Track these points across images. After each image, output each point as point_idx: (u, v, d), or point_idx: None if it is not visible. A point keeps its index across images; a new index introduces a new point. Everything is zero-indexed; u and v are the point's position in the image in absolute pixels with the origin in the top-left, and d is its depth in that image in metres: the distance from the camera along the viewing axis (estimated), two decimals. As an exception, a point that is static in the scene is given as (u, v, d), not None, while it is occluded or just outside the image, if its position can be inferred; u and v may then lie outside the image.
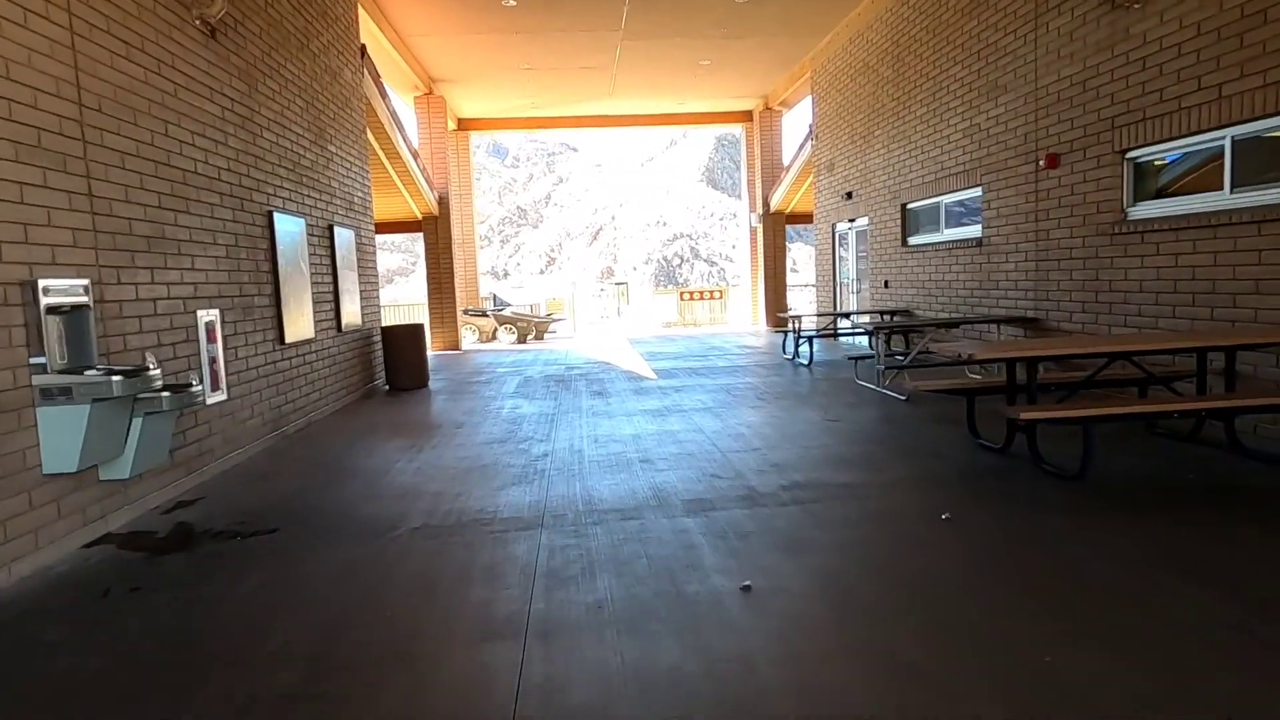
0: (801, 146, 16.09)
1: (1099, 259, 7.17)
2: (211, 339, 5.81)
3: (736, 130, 20.45)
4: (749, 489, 4.91)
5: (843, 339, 13.10)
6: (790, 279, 18.95)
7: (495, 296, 19.30)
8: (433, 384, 10.66)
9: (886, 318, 11.50)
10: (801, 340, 11.30)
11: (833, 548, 3.86)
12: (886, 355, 8.46)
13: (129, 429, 4.38)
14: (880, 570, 3.57)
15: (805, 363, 11.05)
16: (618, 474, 5.42)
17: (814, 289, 22.16)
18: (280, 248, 7.17)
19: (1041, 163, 7.90)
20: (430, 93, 15.26)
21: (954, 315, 9.86)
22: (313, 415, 7.93)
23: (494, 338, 17.18)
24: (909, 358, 8.47)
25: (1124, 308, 6.88)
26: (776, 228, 18.43)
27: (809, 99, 16.49)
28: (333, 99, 9.06)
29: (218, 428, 5.89)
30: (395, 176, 13.46)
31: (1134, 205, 6.86)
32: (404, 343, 10.18)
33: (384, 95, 11.50)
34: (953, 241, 9.96)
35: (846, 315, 11.80)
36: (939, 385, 5.69)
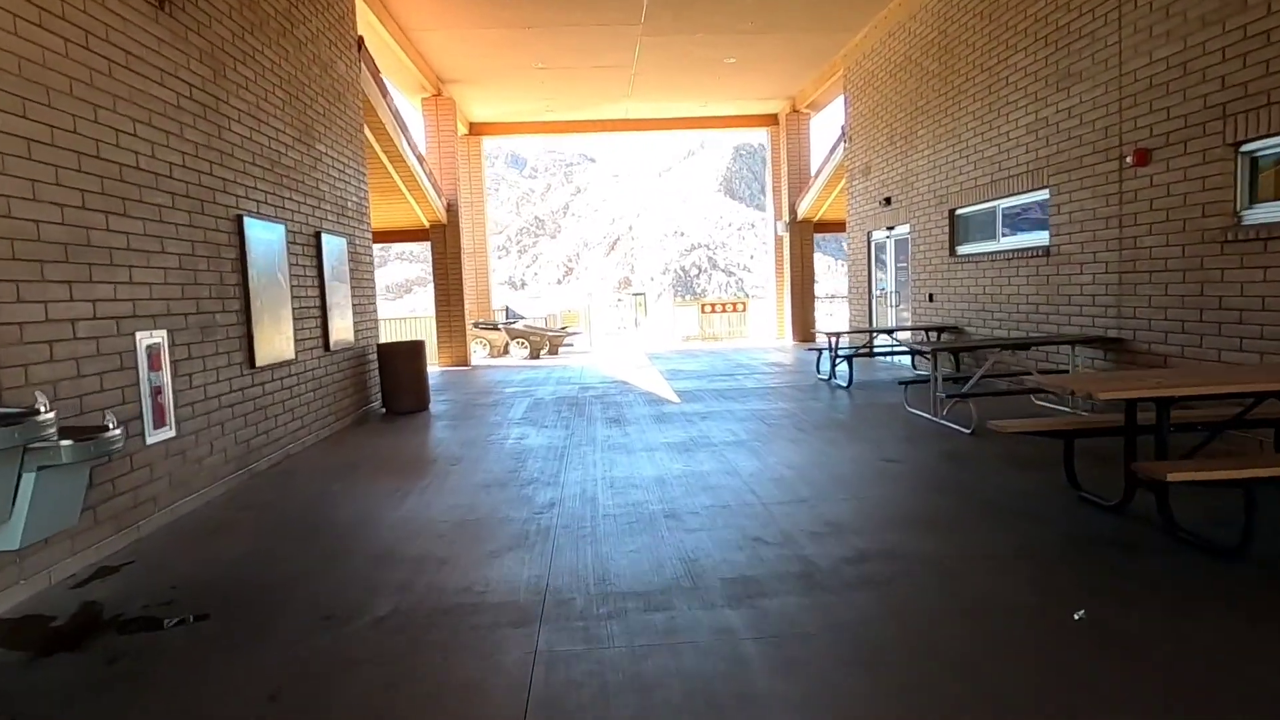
0: (832, 150, 15.06)
1: (1204, 270, 6.08)
2: (155, 366, 4.87)
3: (760, 136, 19.45)
4: (804, 561, 3.87)
5: (880, 357, 12.02)
6: (784, 288, 17.89)
7: (508, 309, 18.38)
8: (434, 406, 9.70)
9: (933, 335, 10.43)
10: (839, 359, 10.25)
11: (932, 664, 2.82)
12: (945, 380, 7.40)
13: (17, 487, 3.43)
14: (1014, 711, 2.52)
15: (844, 385, 9.98)
16: (639, 535, 4.40)
17: (834, 301, 21.05)
18: (252, 257, 6.25)
19: (1128, 159, 6.82)
20: (439, 94, 14.40)
21: (1014, 333, 8.78)
22: (291, 448, 6.99)
23: (505, 352, 16.26)
24: (970, 383, 7.39)
25: (1238, 328, 5.78)
26: (804, 237, 17.38)
27: (840, 100, 15.47)
28: (323, 93, 8.16)
29: (162, 471, 4.94)
30: (400, 182, 12.58)
31: (1250, 208, 5.77)
32: (402, 361, 9.24)
33: (385, 93, 10.63)
34: (1012, 251, 8.87)
35: (890, 332, 10.72)
36: (1032, 426, 4.63)
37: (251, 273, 6.22)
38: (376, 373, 9.44)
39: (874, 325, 13.28)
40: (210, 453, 5.56)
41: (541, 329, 16.56)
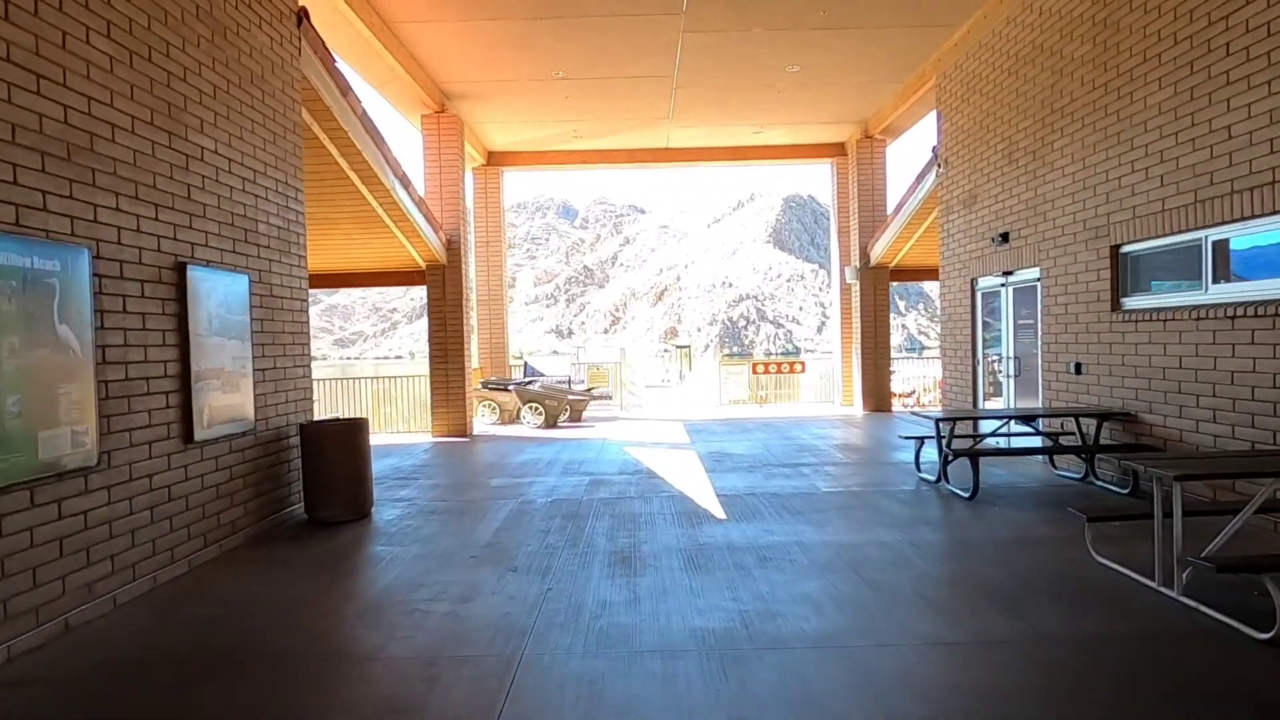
0: (919, 179, 12.08)
1: None
2: None
3: (821, 172, 16.63)
4: None
5: (989, 447, 8.79)
6: (853, 346, 14.63)
7: (526, 365, 15.62)
8: (381, 512, 6.84)
9: (1088, 425, 7.26)
10: (951, 454, 7.09)
11: None
12: (1167, 516, 4.25)
13: None
14: None
15: (964, 494, 6.80)
16: None
17: (913, 363, 17.71)
18: (-20, 299, 3.53)
19: None
20: (442, 111, 11.91)
21: (1243, 431, 5.57)
22: (77, 615, 4.15)
23: (517, 419, 13.40)
24: (1229, 532, 4.19)
25: None
26: (878, 286, 14.30)
27: (928, 119, 12.67)
28: (216, 64, 5.57)
29: None
30: (380, 210, 10.01)
31: None
32: (331, 449, 6.42)
33: (346, 91, 8.07)
34: (1238, 304, 5.72)
35: (1031, 418, 7.47)
36: None
37: (-27, 325, 3.49)
38: (299, 463, 6.65)
39: (979, 399, 10.08)
40: None
41: (559, 391, 13.72)
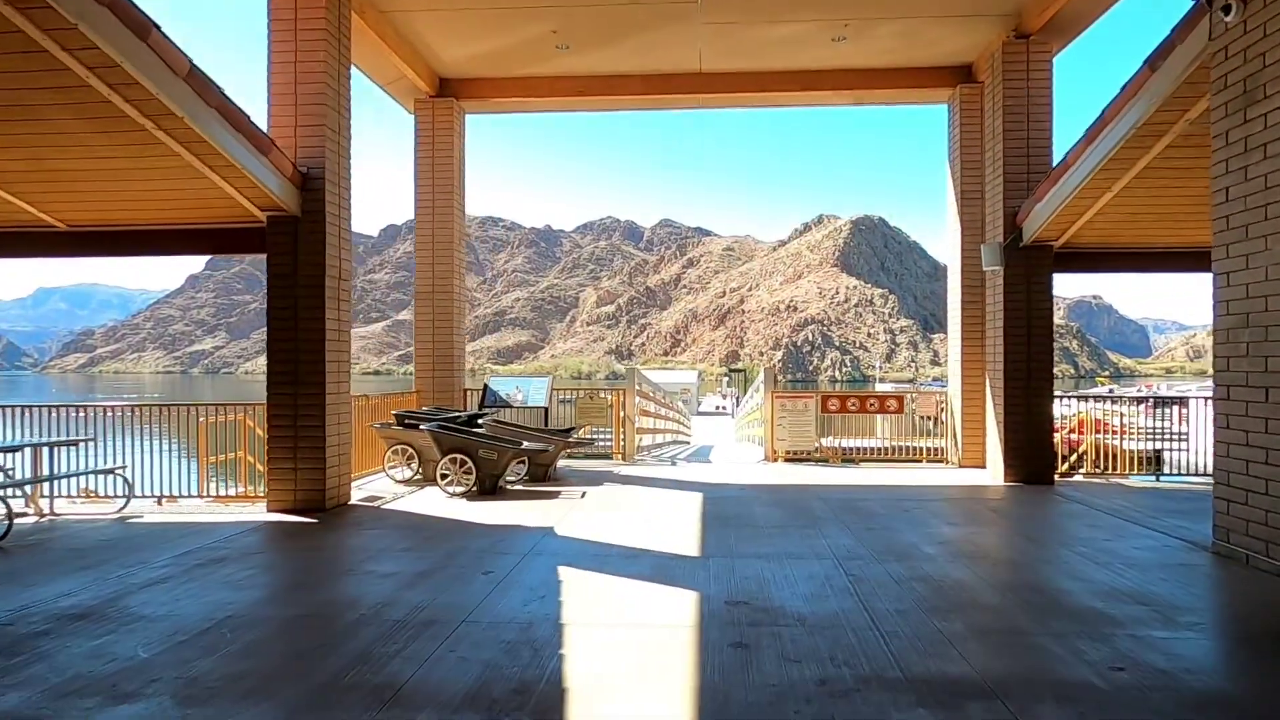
0: (1146, 72, 6.36)
1: None
2: None
3: (936, 112, 11.07)
4: None
5: None
6: (986, 372, 8.61)
7: (487, 389, 10.41)
8: None
9: None
10: None
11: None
12: None
13: None
14: None
15: None
16: None
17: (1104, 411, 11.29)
18: None
19: None
20: (305, -37, 6.92)
21: None
22: None
23: (435, 478, 8.07)
24: None
25: None
26: (1034, 276, 8.54)
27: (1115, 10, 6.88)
28: None
29: None
30: (119, 101, 5.01)
31: None
32: None
33: None
34: None
35: None
36: None
37: None
38: None
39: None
40: None
41: (511, 436, 8.49)
